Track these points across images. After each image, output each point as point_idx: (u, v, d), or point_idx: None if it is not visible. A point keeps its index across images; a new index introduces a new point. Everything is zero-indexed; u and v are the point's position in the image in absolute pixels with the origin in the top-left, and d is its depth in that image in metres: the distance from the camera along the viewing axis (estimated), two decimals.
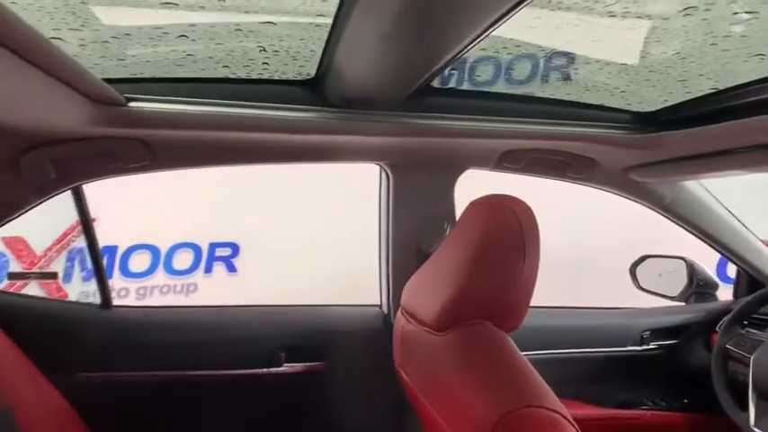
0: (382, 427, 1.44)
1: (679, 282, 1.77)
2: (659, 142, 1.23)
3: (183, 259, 3.29)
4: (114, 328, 1.37)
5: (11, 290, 1.95)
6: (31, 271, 2.13)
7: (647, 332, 1.66)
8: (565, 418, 0.78)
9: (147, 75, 0.98)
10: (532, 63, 1.06)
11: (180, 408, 1.36)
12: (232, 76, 1.02)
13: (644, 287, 1.82)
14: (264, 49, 0.90)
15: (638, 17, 0.75)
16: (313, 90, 1.11)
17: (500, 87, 1.16)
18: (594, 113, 1.25)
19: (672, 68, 0.94)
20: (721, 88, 1.01)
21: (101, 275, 1.37)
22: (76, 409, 1.23)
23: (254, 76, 1.03)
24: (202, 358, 1.36)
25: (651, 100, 1.14)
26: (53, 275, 1.50)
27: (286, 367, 1.39)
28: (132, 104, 0.98)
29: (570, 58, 1.02)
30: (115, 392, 1.31)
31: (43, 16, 0.71)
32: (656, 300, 1.80)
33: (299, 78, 1.07)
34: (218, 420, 1.38)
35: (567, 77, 1.06)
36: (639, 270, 1.84)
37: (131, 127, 1.03)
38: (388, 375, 1.21)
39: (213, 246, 3.33)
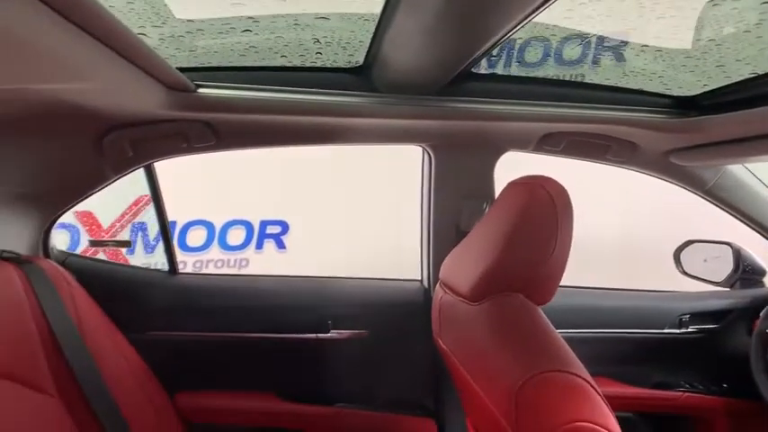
0: (421, 390, 1.52)
1: (724, 267, 1.73)
2: (699, 126, 1.23)
3: (236, 235, 3.42)
4: (180, 292, 1.50)
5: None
6: (108, 239, 2.34)
7: (687, 316, 1.66)
8: (588, 382, 0.84)
9: (214, 64, 1.08)
10: (570, 49, 1.09)
11: (237, 366, 1.48)
12: (288, 65, 1.11)
13: (688, 272, 1.80)
14: (318, 41, 0.99)
15: (669, 7, 0.78)
16: (361, 77, 1.18)
17: (538, 72, 1.20)
18: (634, 98, 1.26)
19: (708, 54, 0.96)
20: (760, 73, 1.01)
21: (168, 244, 1.51)
22: (148, 365, 1.37)
23: (308, 65, 1.12)
24: (258, 322, 1.47)
25: (690, 85, 1.15)
26: (127, 243, 1.68)
27: (333, 333, 1.48)
28: (201, 91, 1.09)
29: (608, 43, 1.05)
30: (181, 350, 1.44)
31: (133, 16, 0.83)
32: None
33: (348, 66, 1.15)
34: (270, 378, 1.49)
35: (605, 62, 1.09)
36: (684, 255, 1.81)
37: (200, 111, 1.14)
38: (427, 344, 1.29)
39: (264, 223, 3.45)
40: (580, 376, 0.83)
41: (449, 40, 0.88)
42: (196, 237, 3.37)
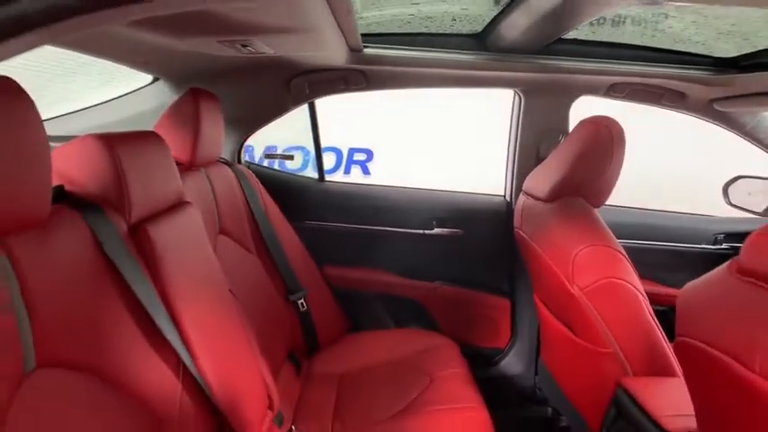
0: (499, 276, 1.99)
1: (766, 200, 1.94)
2: (737, 81, 1.57)
3: (328, 160, 3.72)
4: (326, 194, 2.02)
5: None
6: (277, 153, 2.86)
7: (722, 235, 1.98)
8: (623, 256, 1.27)
9: (375, 30, 1.55)
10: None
11: (365, 249, 1.98)
12: (436, 32, 1.56)
13: (734, 203, 2.01)
14: (455, 19, 1.43)
15: None
16: (477, 41, 1.61)
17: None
18: (683, 58, 1.61)
19: (736, 26, 1.30)
20: None
21: (320, 159, 2.04)
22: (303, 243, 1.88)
23: (441, 31, 1.57)
24: (381, 219, 1.95)
25: (727, 50, 1.49)
26: (291, 157, 2.16)
27: (436, 231, 1.94)
28: (366, 50, 1.57)
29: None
30: (326, 236, 1.95)
31: None
32: None
33: (469, 33, 1.58)
34: (390, 260, 1.98)
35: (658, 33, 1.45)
36: (732, 188, 2.03)
37: (361, 64, 1.62)
38: (506, 243, 1.75)
39: (352, 150, 3.82)
40: (618, 251, 1.26)
41: (553, 22, 1.29)
42: (295, 159, 3.74)
